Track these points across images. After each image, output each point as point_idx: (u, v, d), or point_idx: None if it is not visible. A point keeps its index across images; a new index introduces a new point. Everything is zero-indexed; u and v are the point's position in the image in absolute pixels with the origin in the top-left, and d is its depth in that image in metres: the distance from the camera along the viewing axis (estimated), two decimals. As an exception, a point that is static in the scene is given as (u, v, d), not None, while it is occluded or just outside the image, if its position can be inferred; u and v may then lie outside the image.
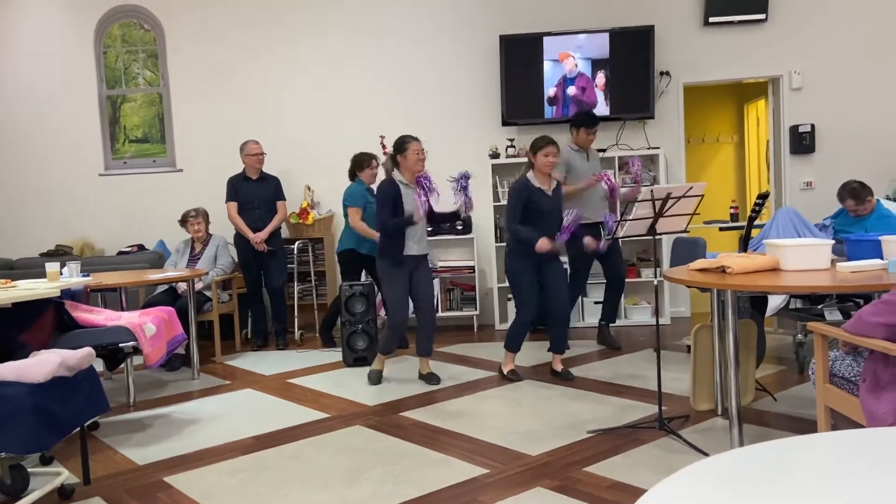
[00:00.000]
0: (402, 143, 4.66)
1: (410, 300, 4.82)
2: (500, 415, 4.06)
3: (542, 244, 4.45)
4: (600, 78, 6.60)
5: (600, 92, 6.63)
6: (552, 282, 4.71)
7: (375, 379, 4.88)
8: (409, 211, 4.61)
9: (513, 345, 4.83)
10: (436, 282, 6.66)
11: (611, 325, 5.78)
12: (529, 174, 4.67)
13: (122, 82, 7.32)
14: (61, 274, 4.60)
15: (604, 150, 6.53)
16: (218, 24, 7.10)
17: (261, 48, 7.09)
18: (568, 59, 6.61)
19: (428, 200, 4.61)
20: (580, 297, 6.52)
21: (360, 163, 5.87)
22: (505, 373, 4.87)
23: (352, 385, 4.88)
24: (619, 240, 5.83)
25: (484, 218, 6.82)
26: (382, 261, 4.72)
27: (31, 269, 6.36)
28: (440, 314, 6.71)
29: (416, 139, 4.67)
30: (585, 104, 6.58)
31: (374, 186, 5.75)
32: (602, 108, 6.62)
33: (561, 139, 6.02)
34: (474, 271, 6.66)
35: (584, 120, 5.57)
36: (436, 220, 4.90)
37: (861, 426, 2.53)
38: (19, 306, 3.72)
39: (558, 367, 4.80)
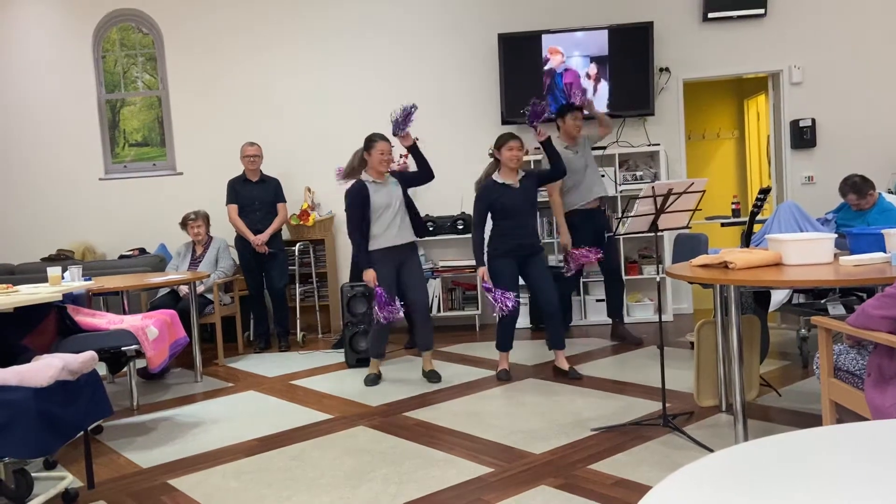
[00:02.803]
0: (369, 141, 4.70)
1: (401, 295, 4.82)
2: (503, 414, 4.06)
3: (480, 272, 4.67)
4: (592, 69, 6.59)
5: (590, 83, 6.61)
6: (536, 277, 4.73)
7: (372, 381, 4.88)
8: (380, 205, 4.64)
9: (501, 345, 4.84)
10: (437, 281, 6.66)
11: (619, 320, 5.80)
12: (495, 174, 4.74)
13: (122, 86, 7.32)
14: (63, 278, 4.60)
15: (604, 148, 6.53)
16: (216, 26, 7.10)
17: (259, 50, 7.08)
18: (556, 56, 6.60)
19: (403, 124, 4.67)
20: (580, 295, 6.55)
21: None
22: (496, 371, 4.89)
23: (355, 386, 4.87)
24: (616, 238, 5.84)
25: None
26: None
27: (32, 273, 6.36)
28: (442, 314, 6.70)
29: (384, 139, 4.68)
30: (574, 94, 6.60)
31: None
32: (600, 105, 6.61)
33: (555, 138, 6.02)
34: (475, 270, 6.64)
35: (558, 111, 5.58)
36: (414, 214, 4.88)
37: (866, 420, 2.52)
38: (22, 311, 3.72)
39: (563, 365, 4.78)
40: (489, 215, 4.72)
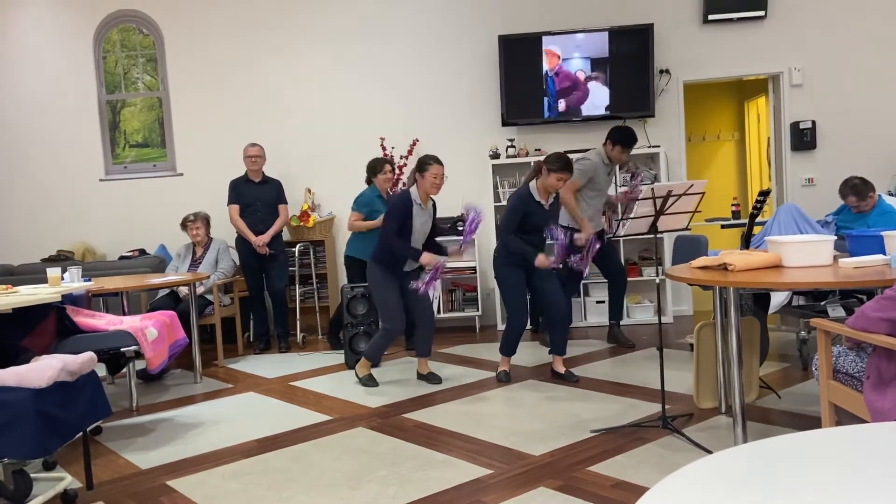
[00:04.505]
0: (423, 164, 4.62)
1: (407, 305, 4.86)
2: (503, 415, 4.05)
3: (540, 261, 4.48)
4: (581, 75, 6.58)
5: (598, 86, 6.61)
6: (544, 283, 4.71)
7: (372, 382, 4.88)
8: (415, 229, 4.63)
9: (506, 349, 4.83)
10: (437, 283, 6.65)
11: (619, 323, 5.79)
12: (532, 184, 4.63)
13: (122, 87, 7.32)
14: (63, 279, 4.60)
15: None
16: (217, 27, 7.10)
17: (260, 51, 7.09)
18: (551, 58, 6.61)
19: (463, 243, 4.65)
20: (580, 297, 6.55)
21: (374, 168, 5.86)
22: (496, 373, 4.88)
23: (354, 387, 4.87)
24: (615, 240, 5.83)
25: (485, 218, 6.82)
26: (373, 267, 4.74)
27: (32, 274, 6.35)
28: (442, 315, 6.70)
29: (438, 163, 4.61)
30: (575, 100, 6.58)
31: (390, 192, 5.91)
32: (601, 107, 6.61)
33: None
34: (476, 272, 6.65)
35: (622, 139, 5.36)
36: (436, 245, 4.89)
37: (865, 422, 2.52)
38: (21, 312, 3.72)
39: (560, 369, 4.77)
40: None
